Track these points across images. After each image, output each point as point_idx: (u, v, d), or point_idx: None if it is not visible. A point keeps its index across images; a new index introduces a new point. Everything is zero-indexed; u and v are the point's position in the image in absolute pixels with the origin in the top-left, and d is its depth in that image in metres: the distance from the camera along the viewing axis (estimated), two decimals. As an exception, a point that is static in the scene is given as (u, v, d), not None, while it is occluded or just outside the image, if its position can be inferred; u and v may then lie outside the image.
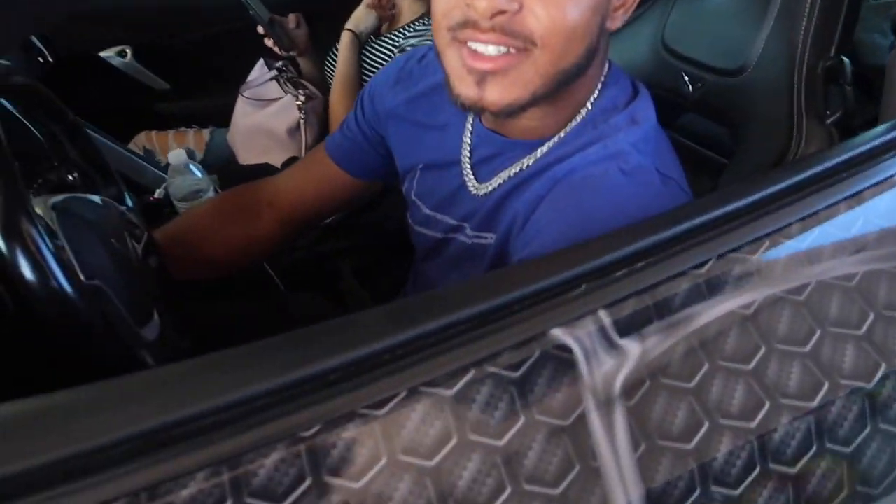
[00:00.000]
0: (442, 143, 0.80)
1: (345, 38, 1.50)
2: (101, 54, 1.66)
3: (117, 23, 1.68)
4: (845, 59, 0.83)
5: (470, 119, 0.78)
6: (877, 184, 0.55)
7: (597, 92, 0.72)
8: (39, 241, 0.59)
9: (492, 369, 0.42)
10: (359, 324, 0.43)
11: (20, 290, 0.60)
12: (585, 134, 0.70)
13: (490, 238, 0.75)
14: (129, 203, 0.96)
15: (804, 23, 0.85)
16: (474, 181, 0.77)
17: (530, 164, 0.71)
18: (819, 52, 0.84)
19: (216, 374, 0.40)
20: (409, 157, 0.86)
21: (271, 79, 1.55)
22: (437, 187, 0.81)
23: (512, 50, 0.62)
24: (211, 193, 1.24)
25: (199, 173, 1.23)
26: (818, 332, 0.48)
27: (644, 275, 0.47)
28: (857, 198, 0.54)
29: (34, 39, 1.55)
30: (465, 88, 0.65)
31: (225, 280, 1.12)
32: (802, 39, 0.85)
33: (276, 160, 1.49)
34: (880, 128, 0.63)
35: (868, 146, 0.57)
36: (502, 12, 0.59)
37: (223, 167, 1.50)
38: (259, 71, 1.59)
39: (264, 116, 1.55)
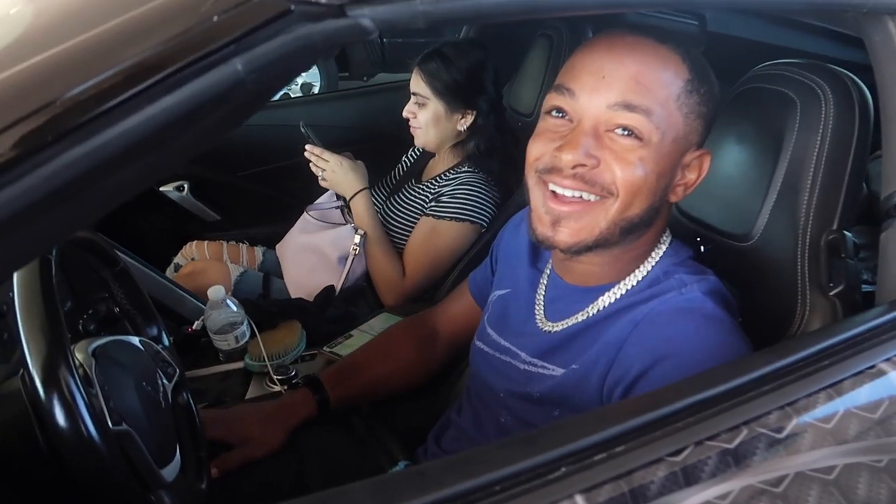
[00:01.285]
0: (524, 278, 0.96)
1: (361, 198, 1.58)
2: (161, 189, 1.81)
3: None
4: (847, 234, 0.86)
5: (549, 264, 0.93)
6: (857, 374, 0.57)
7: (660, 250, 0.84)
8: (75, 390, 0.65)
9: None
10: (335, 497, 0.46)
11: (52, 435, 0.65)
12: (657, 284, 0.81)
13: (552, 370, 0.85)
14: (166, 342, 1.02)
15: (806, 197, 0.90)
16: (543, 317, 0.90)
17: (594, 311, 0.83)
18: (821, 225, 0.87)
19: None
20: (499, 285, 1.02)
21: (338, 207, 1.65)
22: (507, 314, 0.95)
23: (585, 196, 0.75)
24: (245, 326, 1.31)
25: (234, 307, 1.30)
26: (794, 528, 0.49)
27: (622, 460, 0.50)
28: (836, 387, 0.56)
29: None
30: (541, 227, 0.78)
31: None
32: (805, 212, 0.89)
33: (318, 281, 1.57)
34: (869, 313, 0.65)
35: (849, 333, 0.60)
36: (583, 165, 0.74)
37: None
38: (328, 197, 1.71)
39: (321, 238, 1.64)
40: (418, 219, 1.59)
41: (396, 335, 1.21)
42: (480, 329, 1.01)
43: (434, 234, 1.55)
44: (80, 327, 0.93)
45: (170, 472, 0.83)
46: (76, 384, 0.66)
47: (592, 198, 0.76)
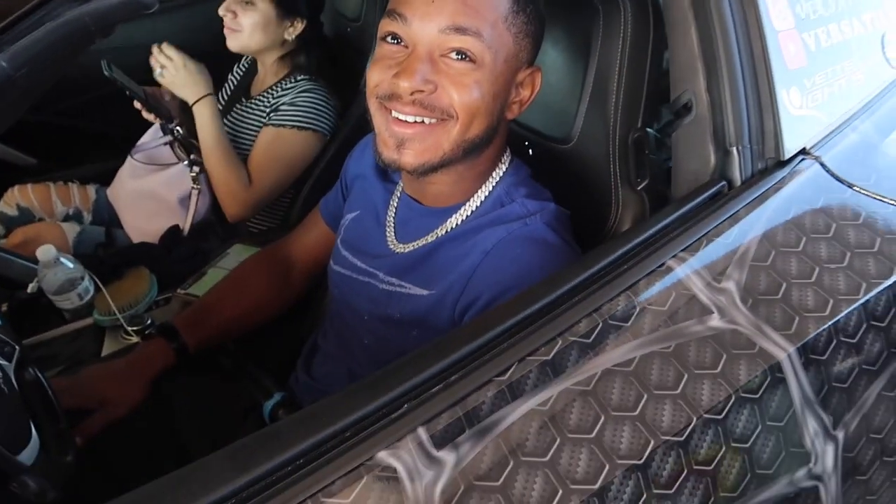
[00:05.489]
0: (374, 200, 0.99)
1: (203, 108, 1.46)
2: (-39, 138, 1.62)
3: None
4: (650, 131, 0.95)
5: (400, 186, 0.96)
6: (650, 273, 0.66)
7: (501, 169, 0.89)
8: None
9: (325, 500, 0.49)
10: (194, 474, 0.49)
11: None
12: (501, 206, 0.86)
13: (409, 288, 0.89)
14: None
15: (613, 99, 0.97)
16: (394, 238, 0.94)
17: (443, 233, 0.88)
18: (628, 125, 0.95)
19: None
20: (350, 208, 1.05)
21: (166, 143, 1.55)
22: (360, 236, 0.99)
23: (426, 120, 0.78)
24: (87, 282, 1.25)
25: (70, 264, 1.23)
26: (602, 419, 0.57)
27: (456, 388, 0.56)
28: (633, 289, 0.65)
29: None
30: (386, 150, 0.81)
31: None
32: (613, 114, 0.96)
33: (161, 225, 1.50)
34: (661, 212, 0.74)
35: (644, 235, 0.68)
36: (420, 91, 0.76)
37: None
38: (152, 135, 1.59)
39: (155, 182, 1.54)
40: (256, 134, 1.53)
41: (249, 270, 1.20)
42: (335, 253, 1.04)
43: (277, 142, 1.49)
44: None
45: (28, 455, 0.81)
46: None
47: (434, 121, 0.79)
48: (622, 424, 0.58)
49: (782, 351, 0.64)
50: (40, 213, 1.59)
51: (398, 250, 0.93)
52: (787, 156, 0.79)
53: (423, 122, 0.79)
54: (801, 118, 0.80)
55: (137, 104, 1.50)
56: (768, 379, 0.63)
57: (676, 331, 0.63)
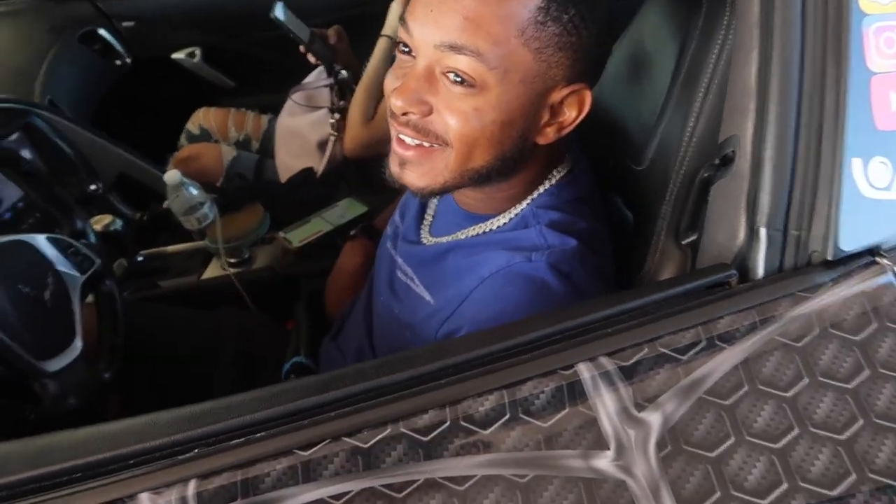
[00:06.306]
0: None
1: (381, 43, 1.49)
2: (173, 56, 1.84)
3: (187, 26, 1.84)
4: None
5: None
6: (547, 374, 0.52)
7: (544, 186, 0.78)
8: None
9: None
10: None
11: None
12: (522, 227, 0.77)
13: (416, 285, 0.84)
14: (91, 237, 1.10)
15: (692, 121, 0.76)
16: (428, 228, 0.89)
17: (463, 237, 0.81)
18: (699, 158, 0.75)
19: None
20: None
21: (326, 86, 1.60)
22: (409, 211, 0.94)
23: (426, 144, 0.70)
24: (207, 209, 1.37)
25: (195, 191, 1.35)
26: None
27: (241, 451, 0.50)
28: (512, 389, 0.51)
29: (113, 43, 1.76)
30: (393, 165, 0.75)
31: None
32: (688, 139, 0.77)
33: (301, 165, 1.58)
34: (626, 292, 0.57)
35: (575, 321, 0.54)
36: (412, 113, 0.68)
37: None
38: (316, 76, 1.66)
39: (304, 122, 1.63)
40: None
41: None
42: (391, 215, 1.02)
43: None
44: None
45: (57, 362, 0.92)
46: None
47: (431, 145, 0.70)
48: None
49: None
50: (216, 136, 1.76)
51: (425, 241, 0.88)
52: (841, 254, 0.55)
53: (422, 144, 0.70)
54: (879, 204, 0.55)
55: (301, 48, 1.56)
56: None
57: (544, 458, 0.49)
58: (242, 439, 0.51)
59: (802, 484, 0.46)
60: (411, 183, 0.73)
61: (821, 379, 0.50)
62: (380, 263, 0.99)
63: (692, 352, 0.52)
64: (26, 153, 1.30)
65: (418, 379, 0.53)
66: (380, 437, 0.51)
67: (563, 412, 0.51)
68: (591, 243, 0.76)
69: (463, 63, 0.64)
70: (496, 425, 0.51)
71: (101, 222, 1.29)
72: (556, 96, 0.69)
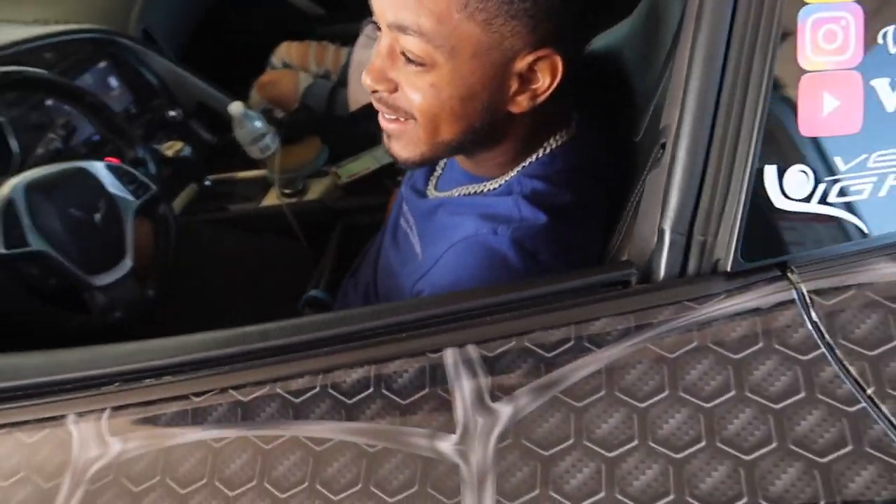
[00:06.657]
0: None
1: None
2: (265, -19, 1.91)
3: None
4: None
5: None
6: (415, 355, 0.54)
7: (539, 153, 0.77)
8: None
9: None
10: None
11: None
12: (505, 194, 0.77)
13: (413, 235, 0.88)
14: (151, 167, 1.21)
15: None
16: (435, 181, 0.91)
17: (457, 195, 0.83)
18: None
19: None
20: None
21: None
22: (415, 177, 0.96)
23: (400, 118, 0.73)
24: (269, 140, 1.45)
25: (258, 123, 1.44)
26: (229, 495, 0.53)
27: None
28: (380, 365, 0.54)
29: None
30: (384, 138, 0.78)
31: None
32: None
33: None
34: (526, 282, 0.57)
35: (455, 306, 0.55)
36: (378, 90, 0.72)
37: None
38: None
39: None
40: None
41: None
42: None
43: None
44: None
45: (105, 277, 1.05)
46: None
47: (404, 119, 0.73)
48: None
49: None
50: (298, 70, 1.82)
51: (429, 193, 0.90)
52: (742, 266, 0.51)
53: (397, 119, 0.73)
54: (795, 216, 0.49)
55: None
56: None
57: (395, 433, 0.52)
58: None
59: (619, 497, 0.46)
60: (397, 154, 0.76)
61: (681, 394, 0.48)
62: (395, 207, 1.02)
63: (559, 350, 0.52)
64: (112, 81, 1.44)
65: (296, 346, 0.57)
66: (258, 394, 0.56)
67: (422, 392, 0.53)
68: (571, 219, 0.74)
69: (410, 43, 0.65)
70: (360, 396, 0.54)
71: (172, 148, 1.41)
72: (521, 64, 0.67)
